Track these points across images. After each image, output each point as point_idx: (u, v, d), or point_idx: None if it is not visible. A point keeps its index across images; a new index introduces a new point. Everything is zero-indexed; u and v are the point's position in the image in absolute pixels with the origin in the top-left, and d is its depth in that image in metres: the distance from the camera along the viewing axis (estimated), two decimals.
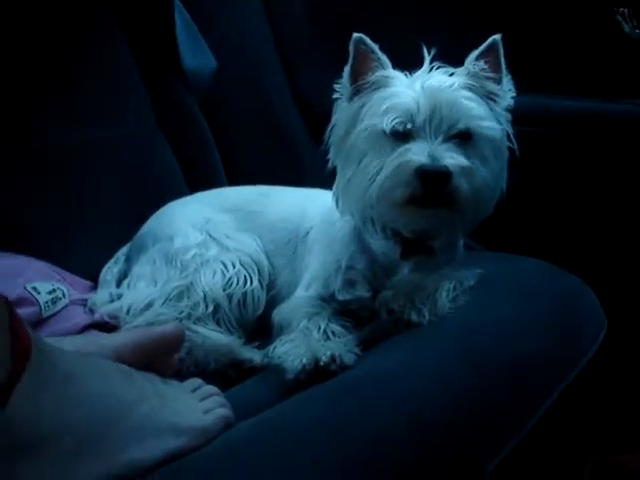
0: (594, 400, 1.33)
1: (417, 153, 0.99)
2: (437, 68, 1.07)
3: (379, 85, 1.06)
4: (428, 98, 1.01)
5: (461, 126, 1.01)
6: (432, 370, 0.89)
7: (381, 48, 1.07)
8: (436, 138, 1.00)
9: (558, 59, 1.37)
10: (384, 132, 1.02)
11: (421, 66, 1.07)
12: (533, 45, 1.35)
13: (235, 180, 1.50)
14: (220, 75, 1.58)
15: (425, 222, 1.05)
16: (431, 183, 0.98)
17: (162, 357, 0.89)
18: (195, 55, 1.54)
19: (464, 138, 1.02)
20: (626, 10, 1.27)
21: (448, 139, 1.01)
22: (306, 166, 1.59)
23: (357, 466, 0.75)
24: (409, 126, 1.01)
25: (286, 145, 1.65)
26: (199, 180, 1.47)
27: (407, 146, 1.00)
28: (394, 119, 1.01)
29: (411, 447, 0.80)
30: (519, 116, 1.09)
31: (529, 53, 1.31)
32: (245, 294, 1.17)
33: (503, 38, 1.07)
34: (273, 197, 1.28)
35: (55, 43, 1.35)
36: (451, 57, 1.06)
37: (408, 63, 1.07)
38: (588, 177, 1.38)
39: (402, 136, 1.01)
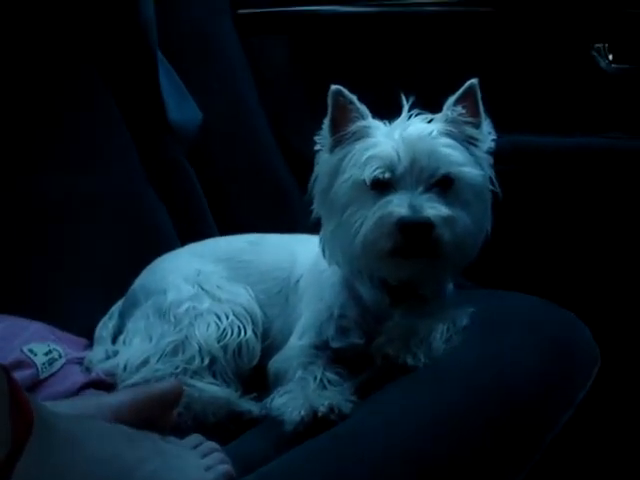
0: (590, 436, 1.33)
1: (398, 205, 0.99)
2: (416, 115, 1.08)
3: (359, 136, 1.07)
4: (407, 147, 1.02)
5: (441, 173, 1.02)
6: (428, 414, 0.90)
7: (361, 97, 1.08)
8: (417, 187, 1.01)
9: (535, 96, 1.39)
10: (365, 183, 1.03)
11: (400, 114, 1.08)
12: (510, 82, 1.36)
13: (226, 230, 1.50)
14: (205, 126, 1.60)
15: (409, 271, 1.06)
16: (413, 234, 0.98)
17: (161, 414, 0.91)
18: (181, 108, 1.56)
19: (445, 185, 1.03)
20: (601, 45, 1.30)
21: (429, 188, 1.01)
22: (296, 212, 1.60)
23: None
24: (389, 176, 1.02)
25: (275, 193, 1.67)
26: (190, 232, 1.48)
27: (388, 197, 1.01)
28: (375, 169, 1.02)
29: None
30: (500, 155, 1.10)
31: (506, 90, 1.33)
32: (240, 344, 1.17)
33: (480, 79, 1.08)
34: (263, 245, 1.29)
35: (42, 95, 1.37)
36: (430, 103, 1.07)
37: (388, 111, 1.08)
38: (572, 211, 1.40)
39: (383, 186, 1.02)
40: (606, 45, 1.29)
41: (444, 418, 0.90)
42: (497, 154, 1.10)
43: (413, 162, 1.01)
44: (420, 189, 1.01)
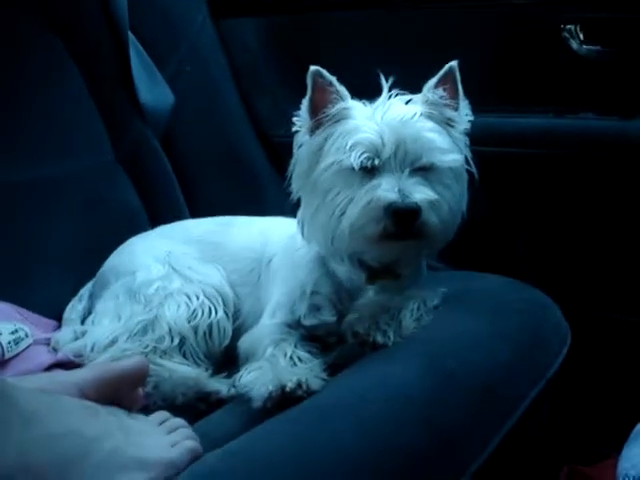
0: (565, 410, 1.34)
1: (386, 189, 1.00)
2: (396, 96, 1.07)
3: (340, 117, 1.06)
4: (392, 132, 1.02)
5: (424, 160, 1.03)
6: (397, 391, 0.90)
7: (339, 78, 1.07)
8: (402, 171, 1.01)
9: (508, 77, 1.39)
10: (350, 167, 1.02)
11: (379, 94, 1.07)
12: (483, 63, 1.36)
13: (197, 213, 1.50)
14: (178, 109, 1.58)
15: (395, 254, 1.06)
16: (402, 219, 0.99)
17: (127, 391, 0.89)
18: (152, 90, 1.55)
19: (428, 169, 1.03)
20: (572, 27, 1.30)
21: (413, 171, 1.02)
22: (268, 195, 1.60)
23: None
24: (376, 161, 1.02)
25: (247, 175, 1.66)
26: (161, 214, 1.47)
27: (375, 182, 1.01)
28: (361, 155, 1.02)
29: (379, 469, 0.80)
30: (474, 136, 1.10)
31: (479, 72, 1.32)
32: (211, 325, 1.17)
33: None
34: (235, 227, 1.29)
35: (4, 73, 1.35)
36: (407, 85, 1.07)
37: (365, 92, 1.08)
38: (544, 191, 1.40)
39: (369, 170, 1.02)
40: (577, 26, 1.29)
41: (412, 398, 0.90)
42: (473, 135, 1.10)
43: (398, 147, 1.02)
44: (406, 172, 1.01)
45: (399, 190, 0.99)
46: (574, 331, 1.15)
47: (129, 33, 1.50)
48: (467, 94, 1.11)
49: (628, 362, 1.39)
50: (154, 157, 1.53)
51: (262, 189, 1.63)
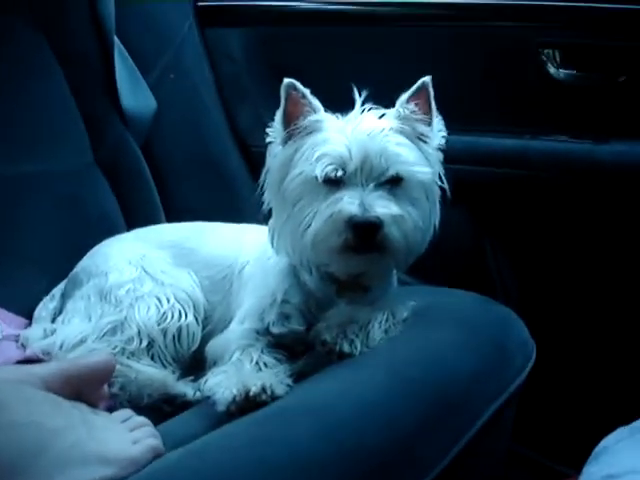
0: (528, 427, 1.35)
1: (349, 202, 1.00)
2: (369, 110, 1.08)
3: (311, 129, 1.07)
4: (359, 145, 1.03)
5: (391, 172, 1.03)
6: (360, 399, 0.90)
7: (314, 90, 1.08)
8: (367, 185, 1.02)
9: (485, 98, 1.42)
10: (316, 178, 1.03)
11: (354, 106, 1.08)
12: (461, 84, 1.38)
13: (174, 218, 1.50)
14: (159, 115, 1.60)
15: (359, 267, 1.07)
16: (363, 232, 1.00)
17: (92, 387, 0.89)
18: (135, 95, 1.56)
19: (395, 183, 1.04)
20: (550, 51, 1.32)
21: (379, 185, 1.03)
22: (244, 203, 1.60)
23: None
24: (340, 173, 1.02)
25: (224, 183, 1.67)
26: (137, 217, 1.48)
27: (339, 194, 1.02)
28: (326, 167, 1.02)
29: (341, 475, 0.81)
30: (448, 155, 1.11)
31: (459, 91, 1.35)
32: (180, 329, 1.17)
33: (433, 78, 1.09)
34: (209, 234, 1.29)
35: None
36: (382, 98, 1.08)
37: (342, 102, 1.09)
38: (516, 211, 1.42)
39: (334, 182, 1.03)
40: (554, 51, 1.32)
41: (375, 404, 0.90)
42: (448, 153, 1.11)
43: (364, 160, 1.02)
44: (370, 186, 1.02)
45: (361, 203, 1.00)
46: (539, 348, 1.16)
47: (114, 37, 1.51)
48: (444, 112, 1.11)
49: (593, 381, 1.41)
50: (133, 161, 1.54)
51: (239, 197, 1.64)
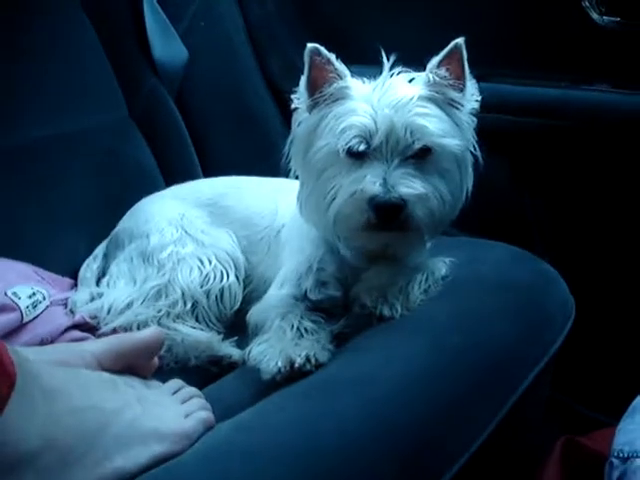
0: (568, 378, 1.37)
1: (371, 182, 0.98)
2: (398, 74, 1.04)
3: (337, 97, 1.03)
4: (385, 118, 0.99)
5: (417, 146, 0.99)
6: (404, 370, 0.91)
7: (342, 34, 1.04)
8: (392, 159, 0.99)
9: (526, 46, 1.38)
10: (341, 151, 1.01)
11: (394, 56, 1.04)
12: (500, 32, 1.35)
13: (209, 170, 1.51)
14: (191, 64, 1.58)
15: (381, 243, 1.06)
16: (385, 213, 0.97)
17: (142, 360, 0.92)
18: (166, 46, 1.54)
19: (423, 155, 1.00)
20: None
21: (405, 159, 1.00)
22: (279, 154, 1.60)
23: (331, 467, 0.78)
24: (364, 147, 1.00)
25: (259, 133, 1.66)
26: (173, 171, 1.48)
27: (362, 171, 0.99)
28: (350, 140, 1.00)
29: (386, 449, 0.82)
30: (487, 103, 1.07)
31: (496, 40, 1.32)
32: (222, 290, 1.19)
33: (468, 27, 1.04)
34: (245, 191, 1.30)
35: (23, 31, 1.35)
36: (413, 57, 1.02)
37: (371, 48, 1.04)
38: (558, 163, 1.40)
39: (359, 156, 1.00)
40: None
41: (415, 376, 0.91)
42: (483, 102, 1.07)
43: (389, 134, 0.99)
44: (396, 162, 0.99)
45: (384, 183, 0.97)
46: (578, 300, 1.15)
47: None
48: (481, 60, 1.05)
49: (631, 335, 1.41)
50: (167, 114, 1.54)
51: (274, 147, 1.62)
